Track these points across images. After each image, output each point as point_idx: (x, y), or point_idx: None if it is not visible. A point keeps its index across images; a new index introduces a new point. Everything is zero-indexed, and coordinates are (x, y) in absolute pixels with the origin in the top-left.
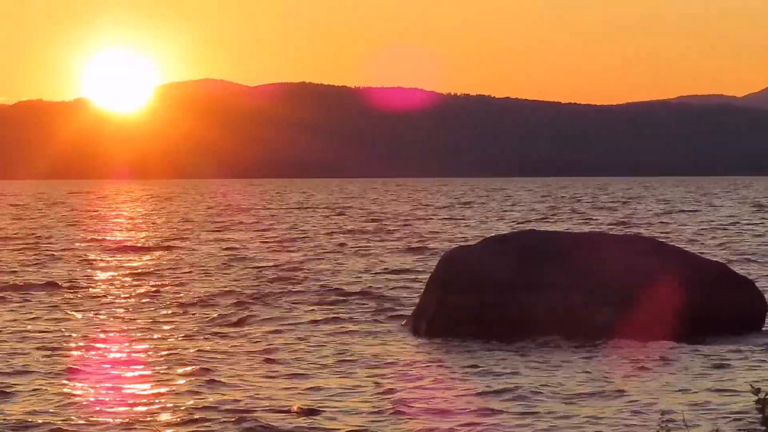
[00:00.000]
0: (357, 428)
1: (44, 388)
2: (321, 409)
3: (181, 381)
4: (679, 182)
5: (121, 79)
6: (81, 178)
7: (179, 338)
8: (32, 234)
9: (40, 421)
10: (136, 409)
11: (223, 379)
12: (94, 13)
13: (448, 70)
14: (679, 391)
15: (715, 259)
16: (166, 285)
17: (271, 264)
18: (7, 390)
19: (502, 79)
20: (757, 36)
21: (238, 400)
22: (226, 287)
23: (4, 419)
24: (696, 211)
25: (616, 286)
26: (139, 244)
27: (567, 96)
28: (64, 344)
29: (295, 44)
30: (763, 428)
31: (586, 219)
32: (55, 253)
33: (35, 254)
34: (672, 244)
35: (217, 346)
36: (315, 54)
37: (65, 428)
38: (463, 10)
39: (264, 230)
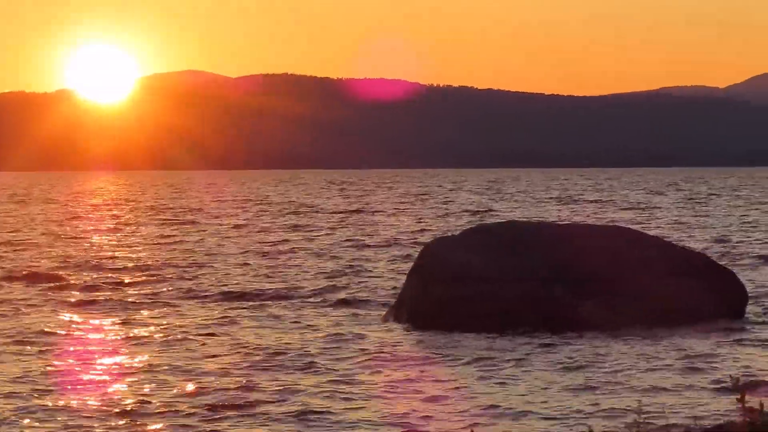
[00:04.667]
0: (341, 416)
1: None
2: (310, 398)
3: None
4: (659, 173)
5: (103, 71)
6: (64, 169)
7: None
8: None
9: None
10: (116, 399)
11: (211, 369)
12: (76, 4)
13: (431, 61)
14: (660, 383)
15: (696, 249)
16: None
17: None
18: None
19: (484, 70)
20: (739, 27)
21: (227, 390)
22: (221, 281)
23: None
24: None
25: (597, 278)
26: None
27: (550, 87)
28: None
29: (277, 35)
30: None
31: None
32: None
33: None
34: (653, 234)
35: (207, 339)
36: (297, 45)
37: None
38: (445, 1)
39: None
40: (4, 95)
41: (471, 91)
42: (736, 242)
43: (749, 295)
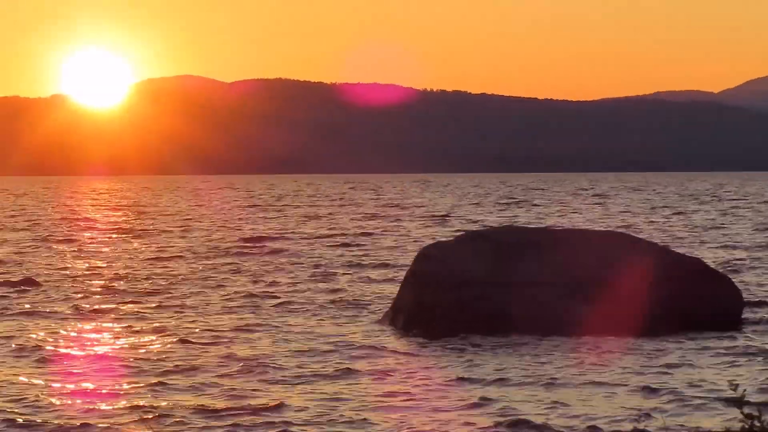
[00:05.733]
0: (336, 423)
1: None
2: (306, 403)
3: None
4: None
5: (98, 76)
6: (58, 174)
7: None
8: None
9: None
10: (104, 405)
11: (203, 377)
12: (71, 8)
13: (425, 66)
14: (655, 390)
15: (691, 255)
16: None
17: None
18: None
19: (478, 75)
20: (733, 31)
21: (214, 394)
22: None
23: None
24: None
25: (592, 282)
26: None
27: (543, 92)
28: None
29: (271, 40)
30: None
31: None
32: None
33: None
34: (648, 239)
35: (198, 340)
36: (292, 50)
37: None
38: (439, 5)
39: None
40: None
41: (465, 95)
42: (729, 246)
43: (746, 301)
